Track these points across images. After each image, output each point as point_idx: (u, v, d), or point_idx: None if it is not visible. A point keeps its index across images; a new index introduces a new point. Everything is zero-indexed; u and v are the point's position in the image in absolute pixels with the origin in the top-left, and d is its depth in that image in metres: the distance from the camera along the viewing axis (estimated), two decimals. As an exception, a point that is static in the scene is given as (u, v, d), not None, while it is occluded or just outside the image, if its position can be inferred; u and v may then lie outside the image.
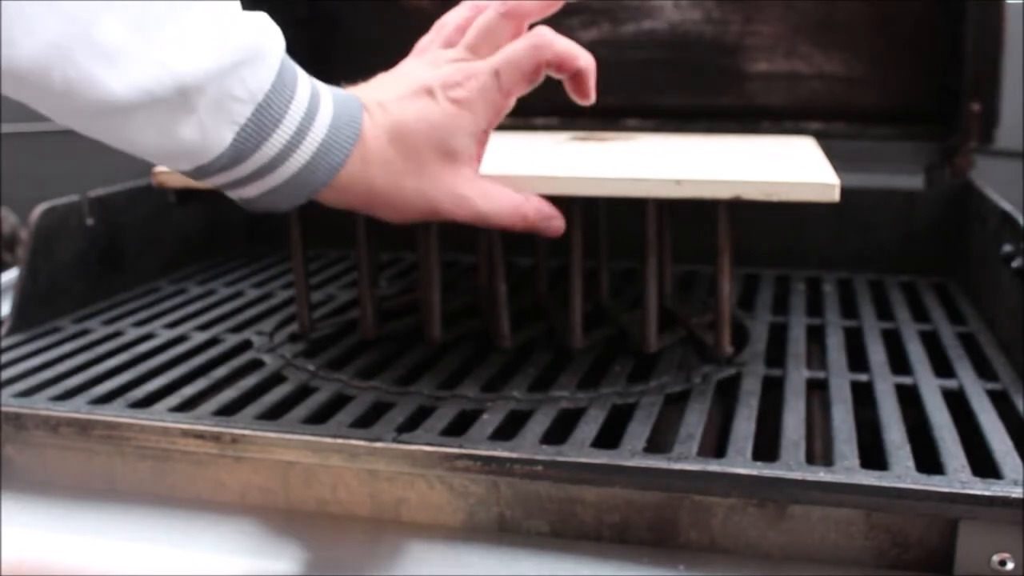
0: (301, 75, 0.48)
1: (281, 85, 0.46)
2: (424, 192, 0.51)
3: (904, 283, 0.83)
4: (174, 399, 0.57)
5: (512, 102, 0.52)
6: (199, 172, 0.47)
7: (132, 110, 0.42)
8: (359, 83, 0.54)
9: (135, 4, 0.41)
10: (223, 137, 0.45)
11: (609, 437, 0.51)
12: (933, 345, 0.66)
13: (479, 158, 0.54)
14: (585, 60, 0.53)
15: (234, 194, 0.50)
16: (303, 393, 0.59)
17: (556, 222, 0.56)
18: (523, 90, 0.52)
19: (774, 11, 0.92)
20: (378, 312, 0.68)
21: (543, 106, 0.95)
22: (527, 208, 0.54)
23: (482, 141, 0.53)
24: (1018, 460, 0.47)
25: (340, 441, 0.50)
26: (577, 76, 0.53)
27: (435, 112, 0.51)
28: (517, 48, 0.52)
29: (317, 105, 0.48)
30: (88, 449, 0.56)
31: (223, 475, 0.54)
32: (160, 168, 0.62)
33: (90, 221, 0.77)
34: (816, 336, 0.69)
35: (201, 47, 0.43)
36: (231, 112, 0.45)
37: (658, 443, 0.51)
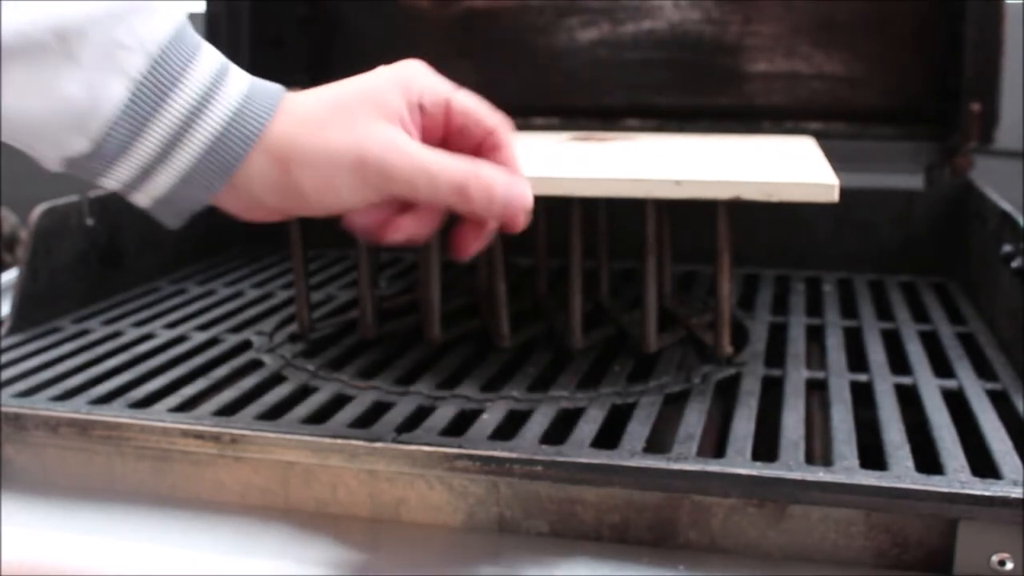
0: (208, 46, 0.43)
1: (180, 42, 0.41)
2: (352, 139, 0.44)
3: (904, 283, 0.83)
4: (174, 399, 0.57)
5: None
6: (97, 157, 0.41)
7: (9, 58, 0.39)
8: None
9: None
10: (113, 91, 0.40)
11: (609, 437, 0.51)
12: (933, 345, 0.66)
13: (418, 136, 0.46)
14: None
15: (142, 194, 0.44)
16: (303, 393, 0.59)
17: (520, 217, 0.46)
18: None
19: (774, 11, 0.92)
20: (378, 312, 0.68)
21: (543, 106, 0.96)
22: (473, 183, 0.44)
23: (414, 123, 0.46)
24: (1017, 460, 0.47)
25: (340, 441, 0.50)
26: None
27: (371, 78, 0.45)
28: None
29: (227, 70, 0.43)
30: (88, 449, 0.56)
31: (223, 475, 0.54)
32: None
33: (90, 221, 0.77)
34: (816, 336, 0.69)
35: None
36: (120, 62, 0.40)
37: (658, 443, 0.51)
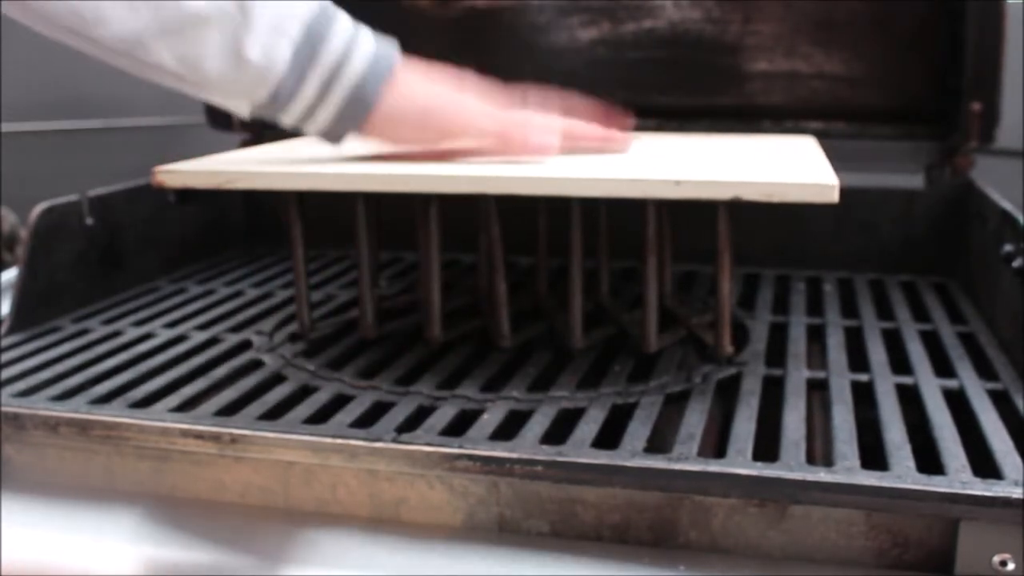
0: (343, 13, 0.56)
1: (324, 10, 0.55)
2: (430, 95, 0.59)
3: (904, 283, 0.83)
4: (174, 399, 0.57)
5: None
6: (275, 103, 0.54)
7: (201, 24, 0.50)
8: None
9: None
10: (281, 52, 0.52)
11: (609, 437, 0.51)
12: (933, 345, 0.66)
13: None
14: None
15: (311, 127, 0.56)
16: (303, 393, 0.59)
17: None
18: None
19: (774, 11, 0.92)
20: (378, 312, 0.68)
21: (543, 106, 0.96)
22: (512, 132, 0.60)
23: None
24: (1018, 460, 0.47)
25: (340, 441, 0.50)
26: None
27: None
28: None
29: (359, 31, 0.56)
30: (88, 449, 0.56)
31: (223, 475, 0.54)
32: (161, 168, 0.61)
33: (90, 221, 0.77)
34: (816, 336, 0.69)
35: None
36: (285, 29, 0.52)
37: (658, 443, 0.51)
